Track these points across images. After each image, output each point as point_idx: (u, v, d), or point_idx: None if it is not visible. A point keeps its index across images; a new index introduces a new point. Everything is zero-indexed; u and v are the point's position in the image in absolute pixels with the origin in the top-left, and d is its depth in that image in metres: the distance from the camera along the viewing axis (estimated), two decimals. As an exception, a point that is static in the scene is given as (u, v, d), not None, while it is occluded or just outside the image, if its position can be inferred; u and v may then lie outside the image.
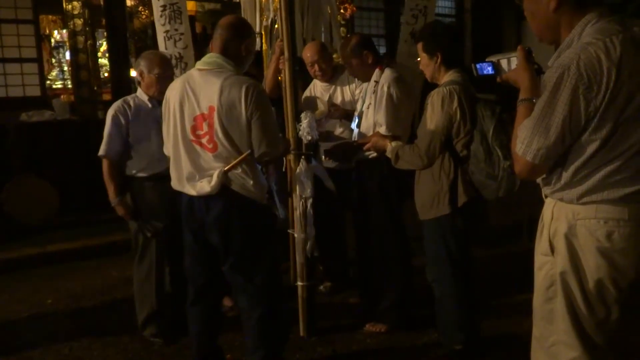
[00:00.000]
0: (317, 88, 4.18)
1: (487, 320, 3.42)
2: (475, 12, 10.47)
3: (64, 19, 7.41)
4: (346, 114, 3.90)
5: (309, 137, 3.36)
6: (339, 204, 4.09)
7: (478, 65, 2.20)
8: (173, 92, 2.78)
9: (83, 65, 7.16)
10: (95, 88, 7.38)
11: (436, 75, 3.06)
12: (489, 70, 2.17)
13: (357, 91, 3.93)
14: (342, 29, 5.12)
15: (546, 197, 1.97)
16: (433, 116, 2.94)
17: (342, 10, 6.69)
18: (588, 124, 1.73)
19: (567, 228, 1.85)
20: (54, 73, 8.69)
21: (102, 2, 7.36)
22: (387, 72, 3.44)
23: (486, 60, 2.17)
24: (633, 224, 1.77)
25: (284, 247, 3.85)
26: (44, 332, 3.82)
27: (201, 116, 2.67)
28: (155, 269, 3.49)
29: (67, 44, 7.55)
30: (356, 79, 3.88)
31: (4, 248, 5.30)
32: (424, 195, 3.09)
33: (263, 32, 4.45)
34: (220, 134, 2.64)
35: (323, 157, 3.68)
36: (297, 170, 3.34)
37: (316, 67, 4.01)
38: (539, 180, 1.95)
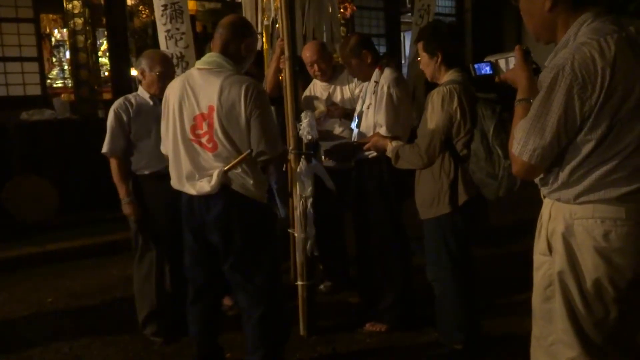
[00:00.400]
0: (317, 88, 4.18)
1: (487, 319, 3.42)
2: (476, 11, 10.48)
3: (65, 18, 7.41)
4: (346, 113, 3.90)
5: (309, 137, 3.36)
6: (339, 204, 4.09)
7: (476, 66, 2.20)
8: (173, 91, 2.78)
9: (83, 64, 7.16)
10: (95, 87, 7.37)
11: (436, 74, 3.06)
12: (486, 70, 2.18)
13: (357, 90, 3.93)
14: (342, 28, 5.11)
15: (544, 197, 1.98)
16: (433, 115, 2.94)
17: (342, 10, 6.69)
18: (583, 123, 1.74)
19: (565, 228, 1.86)
20: (55, 72, 8.69)
21: (102, 1, 7.36)
22: (387, 72, 3.44)
23: (484, 60, 2.17)
24: (630, 224, 1.77)
25: (285, 246, 3.86)
26: (44, 331, 3.82)
27: (201, 116, 2.67)
28: (156, 268, 3.49)
29: (68, 42, 7.54)
30: (356, 79, 3.88)
31: (4, 247, 5.31)
32: (424, 194, 3.09)
33: (264, 32, 4.45)
34: (220, 134, 2.64)
35: (323, 157, 3.68)
36: (298, 169, 3.34)
37: (315, 67, 4.01)
38: (536, 180, 1.96)
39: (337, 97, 4.08)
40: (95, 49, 7.69)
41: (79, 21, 7.10)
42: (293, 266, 3.67)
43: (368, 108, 3.49)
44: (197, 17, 8.64)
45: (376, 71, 3.47)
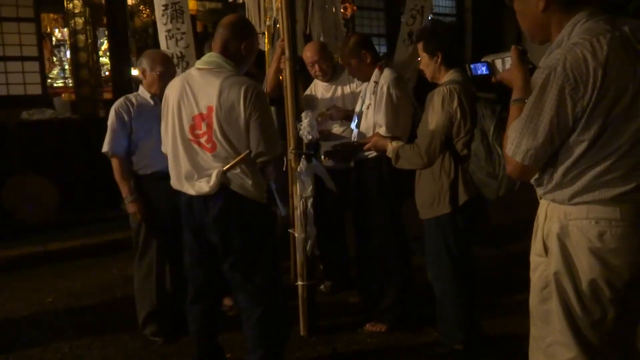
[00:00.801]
0: (318, 88, 4.17)
1: (487, 319, 3.42)
2: (476, 11, 10.48)
3: (65, 18, 7.42)
4: (347, 115, 3.90)
5: (310, 137, 3.36)
6: (339, 204, 4.09)
7: (472, 66, 2.21)
8: (172, 91, 2.78)
9: (84, 63, 7.16)
10: (96, 87, 7.38)
11: (436, 74, 3.06)
12: (483, 70, 2.18)
13: (358, 90, 3.93)
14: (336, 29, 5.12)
15: (540, 197, 1.97)
16: (433, 115, 2.94)
17: (342, 10, 6.68)
18: (576, 124, 1.73)
19: (560, 229, 1.85)
20: (55, 71, 8.69)
21: (103, 1, 7.37)
22: (387, 72, 3.44)
23: (481, 60, 2.17)
24: (625, 224, 1.76)
25: (285, 246, 3.86)
26: (44, 330, 3.83)
27: (200, 116, 2.66)
28: (156, 268, 3.50)
29: (68, 42, 7.55)
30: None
31: (5, 246, 5.30)
32: (424, 194, 3.09)
33: (266, 32, 4.45)
34: (219, 134, 2.63)
35: (322, 157, 3.68)
36: (298, 169, 3.34)
37: (317, 67, 4.00)
38: (532, 181, 1.95)
39: (339, 98, 4.07)
40: (95, 48, 7.69)
41: (80, 21, 7.10)
42: (293, 266, 3.67)
43: (368, 108, 3.49)
44: (197, 17, 8.63)
45: (376, 71, 3.48)
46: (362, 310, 3.80)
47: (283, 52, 3.54)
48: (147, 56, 3.48)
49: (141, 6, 8.29)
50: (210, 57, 2.73)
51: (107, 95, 7.59)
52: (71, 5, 7.04)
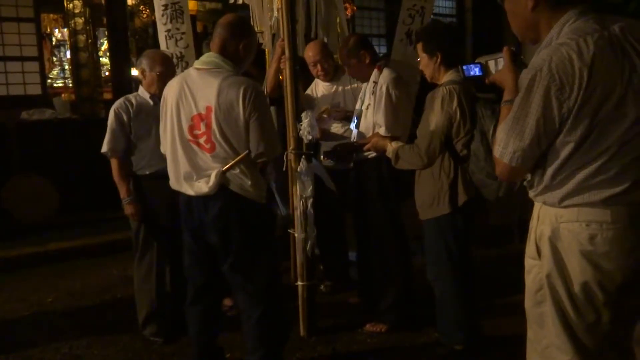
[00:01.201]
0: (319, 88, 4.17)
1: (487, 320, 3.42)
2: (476, 11, 10.47)
3: (65, 18, 7.42)
4: (347, 115, 3.89)
5: (310, 137, 3.35)
6: (339, 204, 4.09)
7: (465, 67, 2.20)
8: (171, 91, 2.77)
9: (84, 64, 7.16)
10: (96, 87, 7.38)
11: (436, 75, 3.06)
12: (475, 71, 2.17)
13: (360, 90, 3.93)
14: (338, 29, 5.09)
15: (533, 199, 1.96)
16: (433, 116, 2.94)
17: (342, 10, 6.68)
18: (562, 125, 1.71)
19: (551, 231, 1.83)
20: (55, 72, 8.69)
21: (103, 1, 7.36)
22: (386, 72, 3.43)
23: (474, 61, 2.17)
24: (616, 227, 1.74)
25: (285, 246, 3.86)
26: (43, 330, 3.83)
27: (198, 116, 2.65)
28: (156, 268, 3.50)
29: (68, 42, 7.55)
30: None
31: (4, 246, 5.30)
32: (424, 194, 3.09)
33: (267, 30, 4.44)
34: (218, 135, 2.62)
35: (322, 157, 3.68)
36: (298, 169, 3.34)
37: (319, 66, 3.99)
38: (525, 183, 1.94)
39: (340, 98, 4.07)
40: (95, 48, 7.70)
41: (80, 21, 7.10)
42: (293, 266, 3.67)
43: (367, 108, 3.49)
44: (197, 17, 8.63)
45: (375, 71, 3.47)
46: (362, 310, 3.80)
47: (283, 52, 3.54)
48: (146, 56, 3.48)
49: (141, 6, 8.29)
50: (209, 57, 2.72)
51: (107, 96, 7.59)
52: (71, 5, 7.04)
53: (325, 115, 3.93)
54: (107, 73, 8.14)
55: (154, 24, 6.91)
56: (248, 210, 2.73)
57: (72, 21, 7.08)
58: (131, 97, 3.48)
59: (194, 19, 7.86)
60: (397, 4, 6.04)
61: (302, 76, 3.87)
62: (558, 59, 1.67)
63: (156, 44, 5.25)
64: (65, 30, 7.92)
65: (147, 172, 3.42)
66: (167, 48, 4.72)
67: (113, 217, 5.32)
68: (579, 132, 1.70)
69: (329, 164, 3.75)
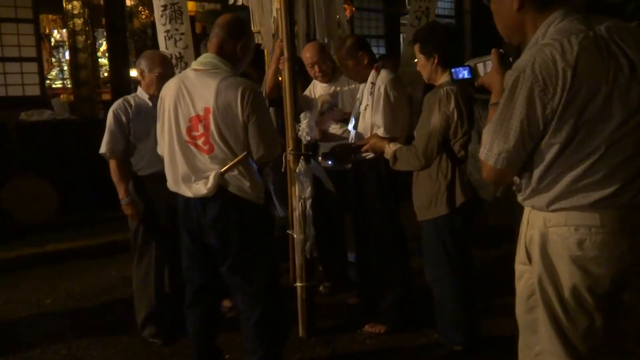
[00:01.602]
0: (317, 89, 4.17)
1: (486, 320, 3.42)
2: (475, 12, 10.47)
3: (64, 19, 7.42)
4: (345, 117, 3.89)
5: (308, 138, 3.35)
6: (338, 205, 4.09)
7: (453, 70, 2.20)
8: (168, 92, 2.76)
9: (83, 64, 7.16)
10: (94, 88, 7.37)
11: (433, 76, 3.06)
12: (464, 74, 2.17)
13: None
14: (339, 29, 5.10)
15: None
16: (430, 117, 2.94)
17: (341, 11, 6.68)
18: (547, 126, 1.68)
19: (540, 236, 1.81)
20: (54, 72, 8.70)
21: (102, 2, 7.36)
22: (384, 74, 3.43)
23: (463, 64, 2.17)
24: (605, 231, 1.71)
25: (284, 247, 3.86)
26: (42, 332, 3.82)
27: (196, 117, 2.65)
28: (155, 269, 3.50)
29: (67, 43, 7.55)
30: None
31: (3, 247, 5.30)
32: (421, 196, 3.09)
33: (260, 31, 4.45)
34: (216, 136, 2.62)
35: (320, 159, 3.67)
36: (297, 170, 3.33)
37: (316, 68, 3.99)
38: (514, 187, 1.92)
39: (338, 99, 4.07)
40: (94, 49, 7.70)
41: (79, 22, 7.10)
42: (292, 267, 3.66)
43: (365, 109, 3.49)
44: (196, 18, 8.63)
45: (372, 72, 3.47)
46: (361, 311, 3.80)
47: (282, 53, 3.54)
48: (145, 57, 3.48)
49: (140, 7, 8.28)
50: (206, 57, 2.72)
51: (106, 96, 7.59)
52: (70, 6, 7.03)
53: (324, 102, 3.92)
54: (105, 74, 8.15)
55: (152, 24, 6.92)
56: (247, 211, 2.73)
57: (71, 22, 7.08)
58: (130, 98, 3.48)
59: (192, 19, 7.86)
60: (396, 5, 6.05)
61: (301, 77, 3.87)
62: (541, 60, 1.65)
63: (155, 45, 5.25)
64: (64, 31, 7.92)
65: (146, 173, 3.42)
66: (167, 49, 4.72)
67: (112, 218, 5.33)
68: (564, 133, 1.68)
69: (326, 166, 3.75)
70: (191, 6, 8.19)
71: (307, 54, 3.99)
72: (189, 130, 2.68)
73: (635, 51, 1.69)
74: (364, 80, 3.55)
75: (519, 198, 1.90)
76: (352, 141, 3.55)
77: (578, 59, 1.63)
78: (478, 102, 2.85)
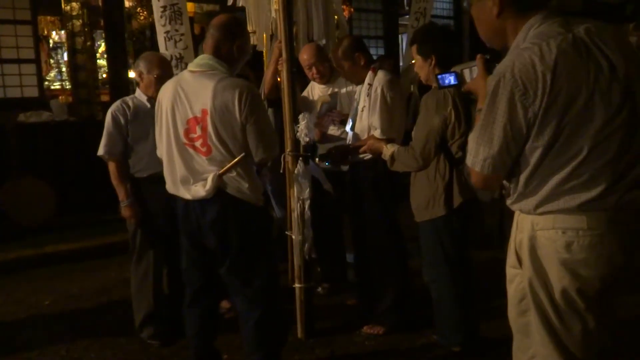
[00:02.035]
0: (315, 90, 4.17)
1: (485, 321, 3.42)
2: (474, 13, 10.47)
3: (63, 20, 7.41)
4: (344, 118, 3.89)
5: (307, 139, 3.35)
6: (336, 205, 4.08)
7: (440, 76, 2.21)
8: (165, 95, 2.76)
9: (81, 66, 7.16)
10: (93, 89, 7.37)
11: (430, 77, 3.05)
12: (450, 80, 2.18)
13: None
14: (338, 30, 5.10)
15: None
16: (427, 118, 2.94)
17: (339, 12, 6.68)
18: (530, 130, 1.68)
19: (529, 239, 1.81)
20: (52, 74, 8.70)
21: (100, 3, 7.36)
22: (380, 75, 3.43)
23: (450, 70, 2.19)
24: (593, 234, 1.71)
25: (282, 248, 3.85)
26: (41, 333, 3.82)
27: (194, 119, 2.64)
28: (153, 271, 3.49)
29: (66, 44, 7.55)
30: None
31: (2, 249, 5.30)
32: (419, 196, 3.09)
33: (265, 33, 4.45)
34: (214, 138, 2.62)
35: (317, 160, 3.67)
36: (295, 171, 3.33)
37: (314, 69, 3.99)
38: (503, 191, 1.92)
39: (336, 100, 4.07)
40: (93, 51, 7.69)
41: (78, 23, 7.10)
42: (290, 268, 3.66)
43: (362, 110, 3.49)
44: (195, 19, 8.63)
45: (369, 73, 3.46)
46: (360, 312, 3.80)
47: (281, 54, 3.54)
48: (144, 59, 3.47)
49: (138, 8, 8.29)
50: (203, 59, 2.71)
51: (105, 98, 7.58)
52: (69, 7, 7.03)
53: (323, 103, 3.92)
54: (104, 75, 8.14)
55: (151, 26, 6.93)
56: (246, 213, 2.73)
57: (70, 23, 7.07)
58: (128, 99, 3.48)
59: (191, 20, 7.85)
60: (395, 5, 6.07)
61: (300, 78, 3.87)
62: (521, 64, 1.66)
63: (154, 46, 5.26)
64: (63, 32, 7.91)
65: (145, 175, 3.42)
66: (167, 49, 4.72)
67: (110, 219, 5.32)
68: (547, 136, 1.68)
69: (324, 167, 3.75)
70: (190, 7, 8.18)
71: (305, 55, 3.99)
72: (187, 132, 2.67)
73: (615, 52, 1.69)
74: (360, 81, 3.54)
75: (508, 202, 1.90)
76: (350, 142, 3.55)
77: (557, 62, 1.64)
78: (475, 103, 2.85)
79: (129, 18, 8.12)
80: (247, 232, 2.74)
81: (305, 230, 3.36)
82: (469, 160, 1.82)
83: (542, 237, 1.78)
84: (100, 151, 3.42)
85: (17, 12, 6.88)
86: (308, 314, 3.51)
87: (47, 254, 5.32)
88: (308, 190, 3.32)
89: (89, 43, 7.26)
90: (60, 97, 7.75)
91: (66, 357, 3.46)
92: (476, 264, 3.33)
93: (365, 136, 3.41)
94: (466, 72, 2.11)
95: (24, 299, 4.41)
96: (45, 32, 8.73)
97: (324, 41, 4.46)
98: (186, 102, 2.66)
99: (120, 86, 7.12)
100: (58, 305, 4.30)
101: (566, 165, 1.69)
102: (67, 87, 8.05)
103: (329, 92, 4.08)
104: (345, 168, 3.66)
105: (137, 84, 3.51)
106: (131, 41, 8.24)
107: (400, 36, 10.44)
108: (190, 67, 2.75)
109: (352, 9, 7.20)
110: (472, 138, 1.81)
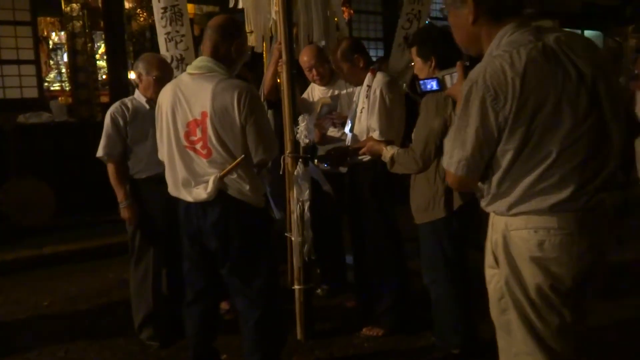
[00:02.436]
0: (315, 92, 4.16)
1: (484, 323, 3.41)
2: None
3: (63, 21, 7.41)
4: (344, 120, 3.88)
5: (307, 140, 3.35)
6: (336, 207, 4.08)
7: (421, 82, 2.26)
8: (165, 98, 2.76)
9: (81, 67, 7.15)
10: (93, 90, 7.37)
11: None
12: (432, 85, 2.24)
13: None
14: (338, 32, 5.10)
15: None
16: (427, 120, 2.93)
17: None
18: (501, 134, 1.75)
19: (503, 239, 1.88)
20: (52, 75, 8.69)
21: (100, 5, 7.36)
22: (379, 76, 3.43)
23: (432, 76, 2.24)
24: (563, 233, 1.78)
25: (282, 250, 3.85)
26: (40, 334, 3.81)
27: (194, 122, 2.65)
28: (152, 272, 3.49)
29: (66, 45, 7.54)
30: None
31: (1, 249, 5.29)
32: (419, 198, 3.09)
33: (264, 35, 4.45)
34: (214, 140, 2.62)
35: (316, 161, 3.67)
36: (295, 173, 3.33)
37: (314, 71, 3.98)
38: (477, 194, 1.98)
39: (336, 101, 4.07)
40: (93, 52, 7.69)
41: (78, 24, 7.10)
42: (290, 270, 3.66)
43: (361, 112, 3.49)
44: (195, 21, 8.64)
45: (368, 75, 3.47)
46: (359, 314, 3.80)
47: (280, 55, 3.54)
48: (143, 60, 3.47)
49: (138, 10, 8.30)
50: (201, 61, 2.71)
51: (104, 99, 7.57)
52: (69, 8, 7.03)
53: (323, 105, 3.92)
54: (104, 76, 8.14)
55: (151, 27, 6.93)
56: (247, 214, 2.73)
57: (70, 24, 7.07)
58: (127, 101, 3.47)
59: (191, 22, 7.86)
60: (395, 7, 6.05)
61: (299, 80, 3.87)
62: (492, 70, 1.72)
63: (153, 48, 5.26)
64: (62, 33, 7.91)
65: (144, 176, 3.42)
66: (167, 51, 4.72)
67: (109, 220, 5.33)
68: (517, 140, 1.74)
69: (323, 168, 3.75)
70: (190, 9, 8.19)
71: (305, 57, 3.98)
72: (187, 135, 2.68)
73: (583, 60, 1.75)
74: (359, 83, 3.54)
75: (482, 204, 1.96)
76: (349, 144, 3.54)
77: (526, 69, 1.70)
78: None
79: (128, 19, 8.12)
80: (248, 234, 2.74)
81: (304, 231, 3.36)
82: (444, 162, 1.90)
83: (515, 237, 1.85)
84: (100, 152, 3.42)
85: (16, 13, 6.88)
86: (307, 315, 3.51)
87: (46, 255, 5.32)
88: (308, 191, 3.32)
89: (89, 44, 7.26)
90: (60, 98, 7.74)
91: (65, 358, 3.46)
92: (475, 266, 3.32)
93: (364, 138, 3.41)
94: (447, 78, 2.19)
95: (23, 299, 4.41)
96: (45, 33, 8.73)
97: (323, 43, 4.46)
98: (186, 105, 2.66)
99: (120, 87, 7.12)
100: (57, 306, 4.30)
101: (536, 168, 1.76)
102: (67, 88, 8.05)
103: (329, 94, 4.07)
104: (344, 170, 3.65)
105: (136, 86, 3.51)
106: (131, 42, 8.24)
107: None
108: (189, 69, 2.75)
109: (352, 11, 7.20)
110: (447, 140, 1.88)
